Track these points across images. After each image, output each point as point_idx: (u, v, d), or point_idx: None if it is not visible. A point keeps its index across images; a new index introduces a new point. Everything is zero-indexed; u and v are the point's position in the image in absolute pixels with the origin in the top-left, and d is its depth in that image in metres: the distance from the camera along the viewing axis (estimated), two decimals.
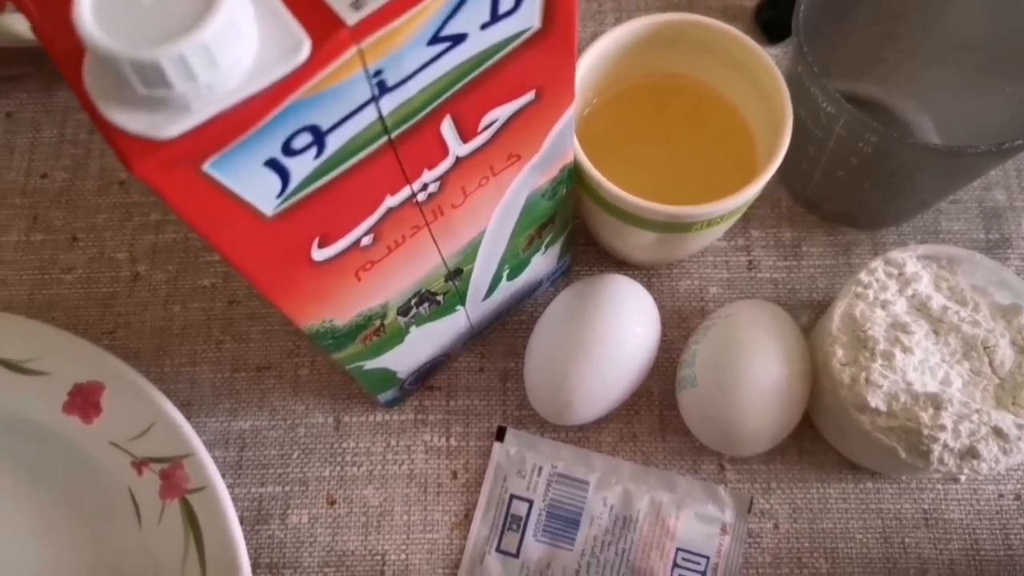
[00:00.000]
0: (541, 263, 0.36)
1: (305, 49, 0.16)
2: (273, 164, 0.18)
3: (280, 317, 0.40)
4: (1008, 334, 0.33)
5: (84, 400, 0.36)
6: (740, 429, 0.33)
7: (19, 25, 0.39)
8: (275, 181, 0.19)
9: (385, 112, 0.20)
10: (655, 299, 0.38)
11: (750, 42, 0.33)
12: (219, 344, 0.40)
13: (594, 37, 0.34)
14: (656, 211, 0.31)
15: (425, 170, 0.23)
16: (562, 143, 0.28)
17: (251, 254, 0.21)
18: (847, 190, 0.36)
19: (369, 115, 0.19)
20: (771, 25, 0.44)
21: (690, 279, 0.40)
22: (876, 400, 0.31)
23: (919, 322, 0.33)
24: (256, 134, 0.17)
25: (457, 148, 0.24)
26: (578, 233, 0.41)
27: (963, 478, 0.37)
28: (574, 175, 0.32)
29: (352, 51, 0.17)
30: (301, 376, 0.40)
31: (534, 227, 0.32)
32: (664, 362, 0.39)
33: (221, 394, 0.39)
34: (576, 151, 0.32)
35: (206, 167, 0.17)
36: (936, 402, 0.31)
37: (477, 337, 0.39)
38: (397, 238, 0.25)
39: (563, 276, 0.40)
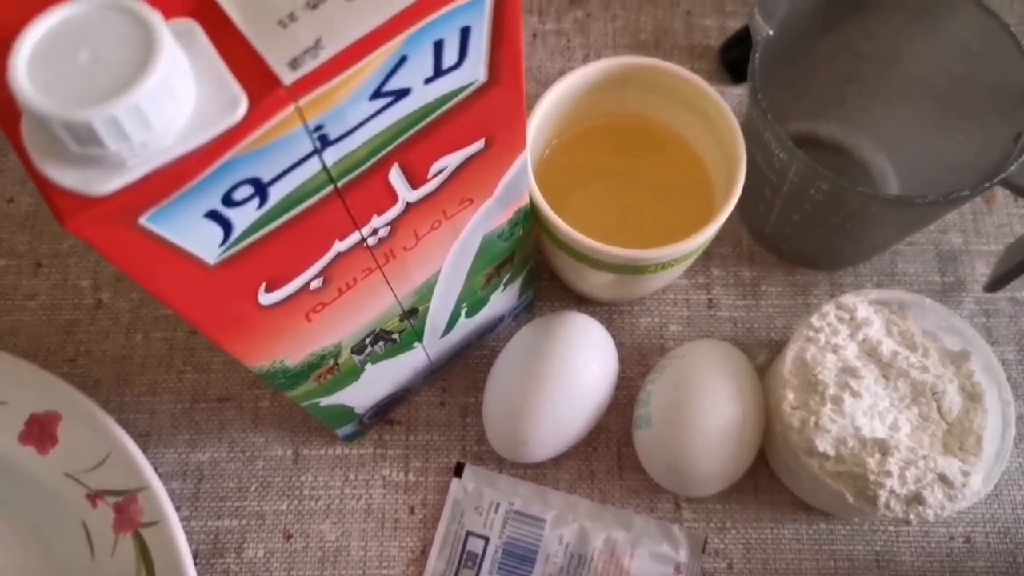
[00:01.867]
0: (501, 300, 0.36)
1: (242, 107, 0.17)
2: (214, 215, 0.19)
3: None
4: (956, 380, 0.34)
5: (40, 430, 0.36)
6: (693, 470, 0.34)
7: None
8: (217, 231, 0.19)
9: (329, 163, 0.20)
10: (615, 336, 0.38)
11: (705, 85, 0.33)
12: (180, 374, 0.40)
13: (562, 73, 0.34)
14: (611, 254, 0.31)
15: (375, 216, 0.24)
16: (517, 187, 0.28)
17: (194, 301, 0.21)
18: (802, 233, 0.37)
19: (312, 166, 0.20)
20: (736, 64, 0.44)
21: (650, 316, 0.41)
22: (825, 445, 0.32)
23: (869, 367, 0.33)
24: (194, 189, 0.17)
25: (407, 195, 0.24)
26: (542, 268, 0.41)
27: (914, 520, 0.37)
28: (531, 216, 0.32)
29: (290, 109, 0.17)
30: (261, 408, 0.40)
31: (491, 266, 0.32)
32: (623, 399, 0.39)
33: (180, 425, 0.39)
34: (533, 193, 0.32)
35: (142, 221, 0.17)
36: (883, 448, 0.31)
37: (438, 372, 0.39)
38: (348, 280, 0.26)
39: (526, 311, 0.41)
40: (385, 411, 0.38)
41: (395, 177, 0.23)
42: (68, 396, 0.36)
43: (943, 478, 0.31)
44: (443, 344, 0.35)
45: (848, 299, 0.34)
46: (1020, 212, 0.42)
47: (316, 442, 0.39)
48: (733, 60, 0.45)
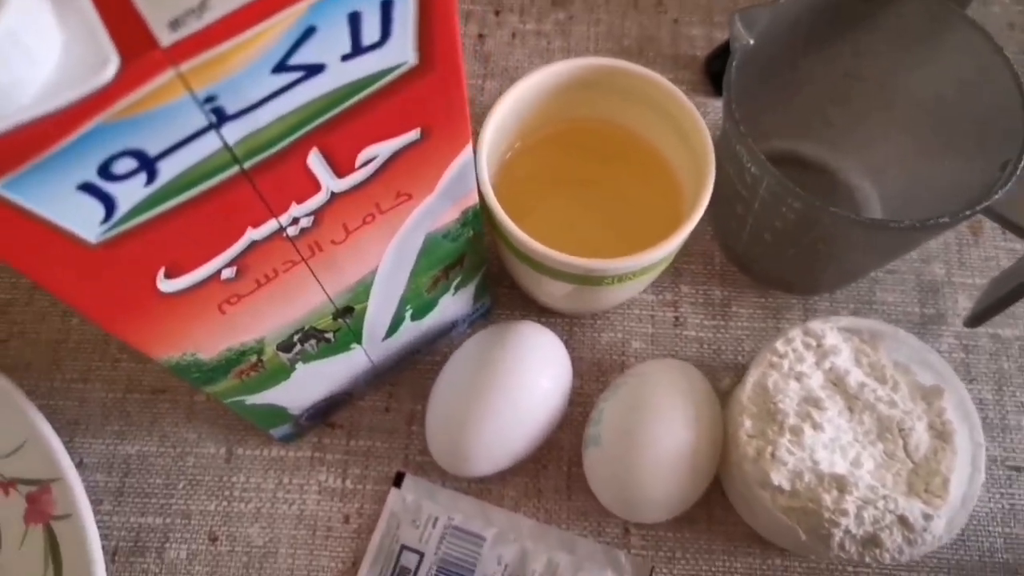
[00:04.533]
0: (452, 305, 0.34)
1: (111, 67, 0.15)
2: (90, 188, 0.17)
3: None
4: (926, 417, 0.32)
5: None
6: (641, 494, 0.32)
7: None
8: (96, 207, 0.17)
9: (231, 141, 0.18)
10: (574, 349, 0.37)
11: (673, 89, 0.32)
12: (115, 362, 0.38)
13: None
14: (566, 263, 0.30)
15: (294, 204, 0.22)
16: (462, 184, 0.26)
17: (76, 285, 0.19)
18: (774, 253, 0.35)
19: (211, 143, 0.18)
20: (721, 76, 0.42)
21: (613, 331, 0.39)
22: (780, 478, 0.30)
23: (834, 398, 0.31)
24: (58, 155, 0.15)
25: (331, 183, 0.22)
26: (502, 276, 0.40)
27: (874, 564, 0.35)
28: (482, 218, 0.30)
29: (168, 73, 0.15)
30: (197, 403, 0.38)
31: (438, 268, 0.30)
32: (578, 416, 0.37)
33: (111, 415, 0.37)
34: (487, 195, 0.30)
35: None
36: (841, 485, 0.29)
37: (384, 376, 0.37)
38: (268, 272, 0.24)
39: (482, 318, 0.39)
40: (325, 413, 0.36)
41: (315, 163, 0.21)
42: None
43: (903, 521, 0.29)
44: (387, 347, 0.33)
45: (816, 325, 0.32)
46: (1007, 246, 0.40)
47: (252, 442, 0.37)
48: (718, 72, 0.43)
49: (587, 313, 0.39)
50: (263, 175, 0.20)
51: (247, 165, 0.19)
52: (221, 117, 0.17)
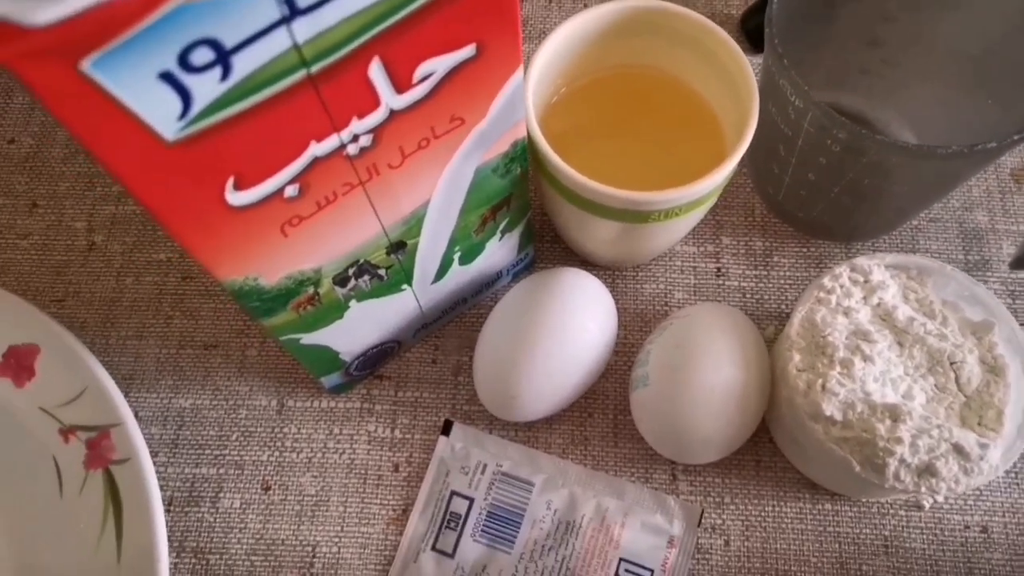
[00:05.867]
0: (498, 252, 0.35)
1: None
2: (169, 79, 0.17)
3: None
4: (977, 351, 0.31)
5: (18, 362, 0.35)
6: (689, 432, 0.32)
7: None
8: (174, 100, 0.18)
9: (300, 40, 0.19)
10: (618, 301, 0.37)
11: (715, 27, 0.32)
12: (168, 319, 0.39)
13: None
14: (614, 197, 0.30)
15: (355, 119, 0.22)
16: (511, 112, 0.27)
17: (153, 185, 0.20)
18: (817, 195, 0.35)
19: (281, 40, 0.19)
20: (757, 33, 0.43)
21: (655, 283, 0.39)
22: (831, 408, 0.30)
23: (883, 332, 0.31)
24: (141, 35, 0.16)
25: (390, 99, 0.23)
26: (544, 231, 0.40)
27: (927, 505, 0.35)
28: (529, 156, 0.31)
29: None
30: (248, 357, 0.38)
31: (486, 207, 0.31)
32: (622, 365, 0.37)
33: (165, 370, 0.38)
34: (535, 133, 0.31)
35: (86, 67, 0.16)
36: (894, 414, 0.29)
37: (431, 327, 0.37)
38: (328, 194, 0.24)
39: (526, 270, 0.39)
40: (374, 364, 0.36)
41: (376, 74, 0.21)
42: (48, 329, 0.35)
43: (958, 449, 0.29)
44: (435, 292, 0.34)
45: (863, 261, 0.32)
46: None
47: (302, 394, 0.38)
48: (753, 29, 0.44)
49: (629, 263, 0.39)
50: (328, 82, 0.21)
51: (314, 69, 0.20)
52: (293, 9, 0.18)
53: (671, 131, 0.35)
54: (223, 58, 0.18)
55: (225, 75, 0.18)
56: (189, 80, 0.18)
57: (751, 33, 0.43)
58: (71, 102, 0.17)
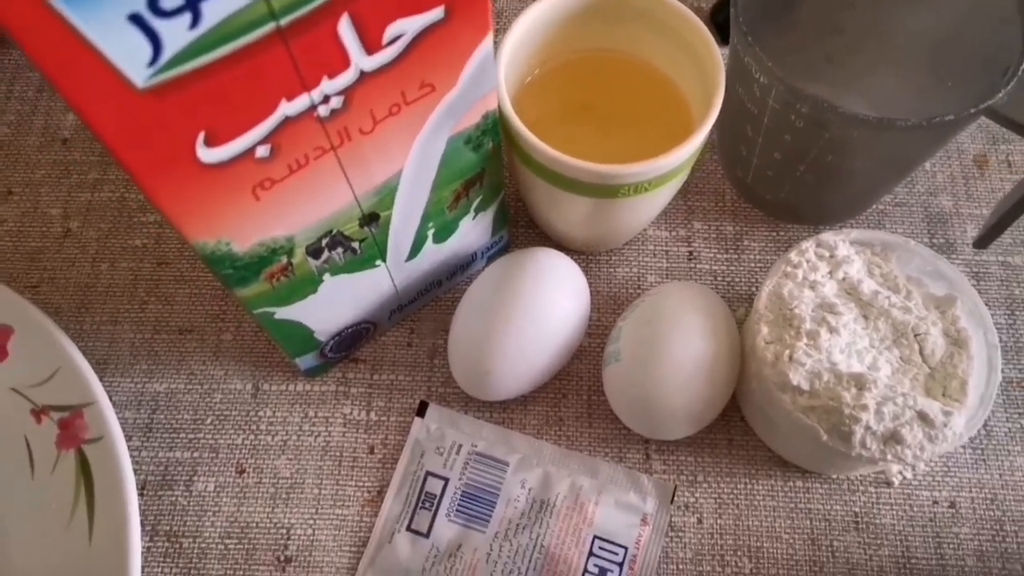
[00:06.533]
0: (472, 231, 0.35)
1: None
2: (139, 21, 0.18)
3: (209, 280, 0.39)
4: (941, 324, 0.32)
5: None
6: (660, 407, 0.32)
7: None
8: (144, 45, 0.18)
9: None
10: (591, 284, 0.37)
11: (685, 10, 0.33)
12: (143, 304, 0.39)
13: None
14: (584, 169, 0.30)
15: (325, 78, 0.23)
16: (482, 81, 0.27)
17: (124, 134, 0.20)
18: (784, 175, 0.36)
19: None
20: (726, 26, 0.44)
21: (628, 267, 0.39)
22: (798, 378, 0.30)
23: (848, 305, 0.32)
24: None
25: (360, 60, 0.23)
26: (519, 216, 0.40)
27: (896, 481, 0.35)
28: (501, 133, 0.31)
29: None
30: (224, 341, 0.38)
31: (459, 181, 0.31)
32: (596, 348, 0.38)
33: (139, 355, 0.38)
34: (505, 106, 0.31)
35: (56, 1, 0.16)
36: (860, 382, 0.30)
37: (406, 309, 0.38)
38: (299, 157, 0.25)
39: (500, 254, 0.40)
40: (349, 346, 0.37)
41: (346, 32, 0.22)
42: (21, 310, 0.35)
43: (923, 416, 0.29)
44: (410, 271, 0.34)
45: (828, 236, 0.33)
46: (1013, 177, 0.41)
47: (277, 377, 0.38)
48: (723, 22, 0.45)
49: (603, 246, 0.39)
50: (297, 37, 0.21)
51: (283, 22, 0.20)
52: None
53: (642, 113, 0.36)
54: (192, 3, 0.18)
55: (195, 22, 0.19)
56: (159, 24, 0.18)
57: (720, 26, 0.44)
58: (42, 39, 0.17)
